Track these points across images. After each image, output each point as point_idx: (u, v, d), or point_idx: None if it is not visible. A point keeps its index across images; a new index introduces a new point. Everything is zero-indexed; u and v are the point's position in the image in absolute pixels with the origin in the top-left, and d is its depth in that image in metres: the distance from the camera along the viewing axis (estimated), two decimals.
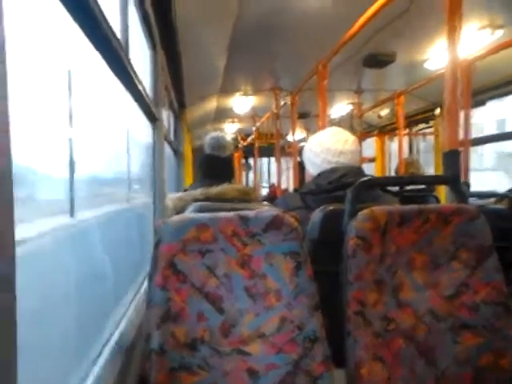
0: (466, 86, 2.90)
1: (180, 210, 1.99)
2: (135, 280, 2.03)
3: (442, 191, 4.15)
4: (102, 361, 1.13)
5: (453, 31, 1.63)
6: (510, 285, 2.16)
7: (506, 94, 4.36)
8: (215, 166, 2.30)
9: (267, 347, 1.19)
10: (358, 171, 1.76)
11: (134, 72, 1.52)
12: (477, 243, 1.31)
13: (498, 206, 2.85)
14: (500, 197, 2.99)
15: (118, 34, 1.29)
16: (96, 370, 1.08)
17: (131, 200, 2.70)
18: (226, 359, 1.18)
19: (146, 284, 1.69)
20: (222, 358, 1.18)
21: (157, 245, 1.21)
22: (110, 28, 1.12)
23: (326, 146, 1.79)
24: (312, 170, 1.84)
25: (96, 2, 0.97)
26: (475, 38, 3.21)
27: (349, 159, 1.77)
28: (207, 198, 2.03)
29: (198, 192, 2.09)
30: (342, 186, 1.64)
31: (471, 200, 2.20)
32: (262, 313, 1.21)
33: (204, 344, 1.18)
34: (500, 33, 3.16)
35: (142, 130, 2.32)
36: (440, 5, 1.67)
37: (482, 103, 4.65)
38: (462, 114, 2.31)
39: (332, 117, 6.37)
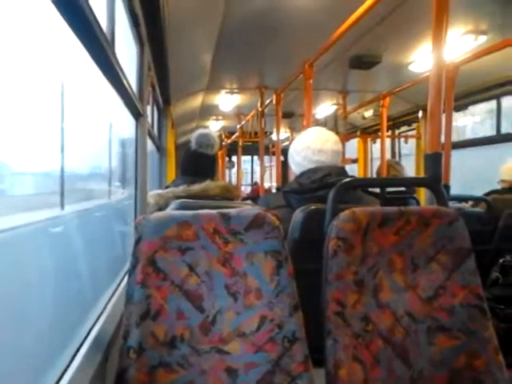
0: (449, 89, 2.93)
1: (162, 206, 1.98)
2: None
3: (423, 194, 4.21)
4: (79, 357, 1.11)
5: (439, 35, 1.64)
6: (487, 288, 2.20)
7: (488, 99, 4.42)
8: (200, 164, 2.29)
9: (247, 346, 1.19)
10: (341, 171, 1.77)
11: (120, 67, 1.51)
12: (455, 246, 1.33)
13: (476, 209, 2.90)
14: (477, 200, 3.04)
15: (104, 29, 1.27)
16: (74, 366, 1.07)
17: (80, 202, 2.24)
18: (205, 357, 1.18)
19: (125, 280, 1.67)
20: (201, 356, 1.18)
21: (137, 241, 1.20)
22: (96, 22, 1.10)
23: (306, 144, 1.82)
24: (295, 168, 1.85)
25: None
26: (459, 42, 3.25)
27: (329, 158, 1.78)
28: (189, 196, 2.02)
29: (180, 189, 2.08)
30: (325, 185, 1.65)
31: (450, 203, 2.24)
32: (242, 311, 1.21)
33: (183, 342, 1.18)
34: (483, 38, 3.20)
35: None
36: (427, 8, 1.68)
37: (463, 107, 4.71)
38: (444, 118, 2.34)
39: (317, 117, 6.39)
